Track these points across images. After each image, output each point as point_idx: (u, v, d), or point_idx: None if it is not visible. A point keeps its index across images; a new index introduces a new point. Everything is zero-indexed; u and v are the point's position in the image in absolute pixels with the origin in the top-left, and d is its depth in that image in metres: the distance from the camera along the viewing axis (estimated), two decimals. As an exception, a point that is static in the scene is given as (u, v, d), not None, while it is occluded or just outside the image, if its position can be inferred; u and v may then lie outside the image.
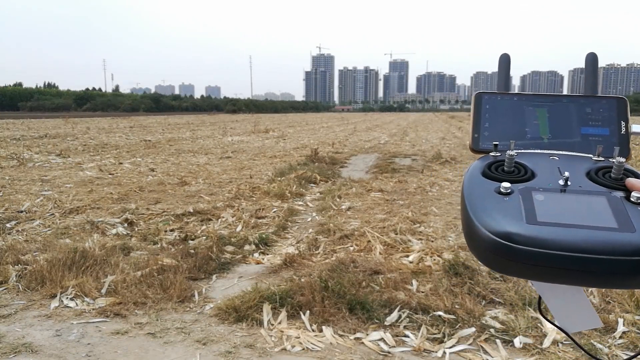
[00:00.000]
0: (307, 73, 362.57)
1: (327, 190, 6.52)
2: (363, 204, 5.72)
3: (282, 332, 2.60)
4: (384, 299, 2.91)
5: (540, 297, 0.52)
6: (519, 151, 0.55)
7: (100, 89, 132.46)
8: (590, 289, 3.00)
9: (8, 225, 4.69)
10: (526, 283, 2.97)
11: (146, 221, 4.86)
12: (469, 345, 2.47)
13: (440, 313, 2.74)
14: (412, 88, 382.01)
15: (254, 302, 2.84)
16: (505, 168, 0.50)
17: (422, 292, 3.06)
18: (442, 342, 2.50)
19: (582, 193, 0.46)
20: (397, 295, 2.97)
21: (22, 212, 5.22)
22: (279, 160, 10.32)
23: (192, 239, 4.24)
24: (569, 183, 0.47)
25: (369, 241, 4.09)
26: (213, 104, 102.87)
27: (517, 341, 2.47)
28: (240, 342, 2.51)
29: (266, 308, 2.80)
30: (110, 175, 7.98)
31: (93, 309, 2.89)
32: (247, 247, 4.04)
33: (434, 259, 3.64)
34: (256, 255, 3.91)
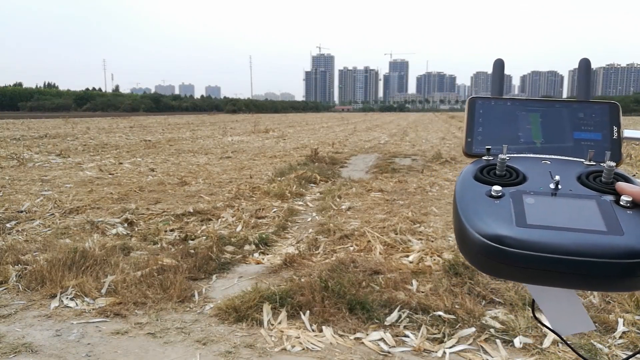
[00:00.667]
0: (307, 73, 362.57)
1: (327, 190, 6.52)
2: (363, 204, 5.72)
3: (282, 332, 2.60)
4: (384, 299, 2.91)
5: (534, 300, 0.52)
6: (512, 155, 0.55)
7: (100, 89, 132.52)
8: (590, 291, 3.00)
9: (8, 225, 4.69)
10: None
11: (146, 221, 4.86)
12: (469, 345, 2.47)
13: (440, 313, 2.74)
14: (412, 88, 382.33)
15: (254, 302, 2.84)
16: (497, 172, 0.51)
17: (422, 292, 3.06)
18: (442, 342, 2.50)
19: (572, 197, 0.47)
20: (397, 295, 2.97)
21: (22, 212, 5.22)
22: (279, 160, 10.32)
23: (192, 239, 4.24)
24: (559, 187, 0.48)
25: (369, 241, 4.09)
26: (213, 104, 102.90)
27: (517, 341, 2.47)
28: (240, 342, 2.52)
29: (266, 308, 2.80)
30: (110, 175, 7.98)
31: (93, 309, 2.89)
32: (247, 247, 4.04)
33: (434, 259, 3.64)
34: (256, 255, 3.91)
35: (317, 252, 3.94)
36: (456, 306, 2.83)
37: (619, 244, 0.40)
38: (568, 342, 0.67)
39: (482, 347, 2.45)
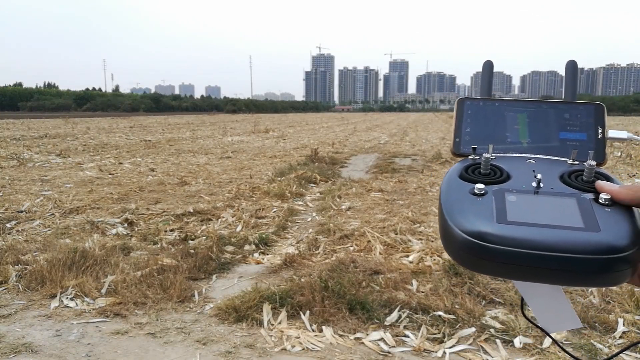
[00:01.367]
0: (307, 73, 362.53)
1: (327, 190, 6.52)
2: (363, 204, 5.72)
3: (282, 332, 2.60)
4: (384, 299, 2.91)
5: (522, 298, 0.53)
6: (498, 155, 0.57)
7: (100, 89, 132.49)
8: (590, 289, 3.00)
9: (8, 225, 4.69)
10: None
11: (146, 221, 4.86)
12: (469, 345, 2.47)
13: (440, 313, 2.74)
14: (412, 88, 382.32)
15: (254, 302, 2.84)
16: (481, 170, 0.52)
17: (422, 292, 3.06)
18: (442, 342, 2.50)
19: (553, 194, 0.48)
20: (397, 295, 2.97)
21: (22, 212, 5.22)
22: (279, 160, 10.32)
23: (192, 239, 4.24)
24: (541, 185, 0.49)
25: (369, 241, 4.09)
26: (213, 104, 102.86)
27: (517, 341, 2.47)
28: (240, 342, 2.52)
29: (266, 308, 2.80)
30: (110, 175, 7.98)
31: (93, 309, 2.89)
32: (247, 247, 4.04)
33: (434, 259, 3.64)
34: (256, 255, 3.91)
35: (317, 252, 3.94)
36: (456, 306, 2.83)
37: (595, 240, 0.41)
38: (555, 339, 0.68)
39: (482, 347, 2.45)
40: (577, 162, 0.54)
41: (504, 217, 0.44)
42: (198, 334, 2.60)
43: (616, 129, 0.61)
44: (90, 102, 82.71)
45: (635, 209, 0.45)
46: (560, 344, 0.78)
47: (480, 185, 0.48)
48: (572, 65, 0.63)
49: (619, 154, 10.87)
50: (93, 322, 2.74)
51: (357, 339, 2.54)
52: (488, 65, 0.66)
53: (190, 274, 3.39)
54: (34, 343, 2.51)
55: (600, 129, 0.59)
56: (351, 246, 4.04)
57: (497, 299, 2.96)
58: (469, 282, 3.11)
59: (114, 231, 4.46)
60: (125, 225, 4.67)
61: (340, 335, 2.57)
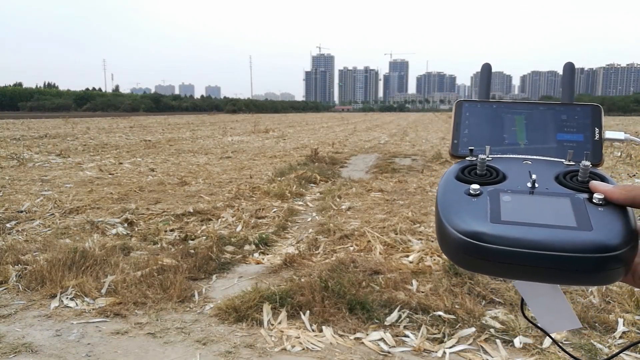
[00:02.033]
0: (307, 73, 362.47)
1: (327, 190, 6.52)
2: (363, 204, 5.72)
3: (282, 332, 2.60)
4: (384, 299, 2.91)
5: (522, 299, 0.53)
6: (494, 156, 0.57)
7: (100, 89, 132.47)
8: (590, 289, 3.00)
9: (8, 225, 4.69)
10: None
11: (146, 221, 4.86)
12: (469, 345, 2.47)
13: (440, 313, 2.74)
14: (412, 88, 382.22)
15: (254, 302, 2.84)
16: (477, 171, 0.53)
17: (422, 292, 3.06)
18: (442, 342, 2.50)
19: (547, 194, 0.48)
20: (397, 295, 2.97)
21: (22, 212, 5.22)
22: (279, 160, 10.32)
23: (192, 239, 4.24)
24: (536, 185, 0.49)
25: (369, 241, 4.09)
26: (213, 104, 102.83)
27: (517, 341, 2.47)
28: (240, 342, 2.52)
29: (266, 308, 2.80)
30: (110, 175, 7.98)
31: (93, 309, 2.89)
32: (247, 247, 4.04)
33: (434, 259, 3.64)
34: (256, 255, 3.91)
35: (317, 252, 3.94)
36: (456, 306, 2.83)
37: (587, 239, 0.42)
38: (555, 339, 0.68)
39: (482, 347, 2.45)
40: (574, 163, 0.55)
41: (498, 216, 0.45)
42: (198, 334, 2.61)
43: (615, 130, 0.61)
44: (90, 102, 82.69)
45: (629, 208, 0.46)
46: (560, 344, 0.79)
47: (475, 186, 0.49)
48: (569, 67, 0.63)
49: (619, 154, 10.88)
50: (93, 322, 2.74)
51: (357, 339, 2.54)
52: (486, 68, 0.66)
53: (190, 274, 3.39)
54: (34, 343, 2.51)
55: (597, 130, 0.59)
56: (351, 246, 4.04)
57: (497, 299, 2.96)
58: (469, 282, 3.11)
59: (114, 231, 4.46)
60: (125, 225, 4.67)
61: (340, 335, 2.57)
